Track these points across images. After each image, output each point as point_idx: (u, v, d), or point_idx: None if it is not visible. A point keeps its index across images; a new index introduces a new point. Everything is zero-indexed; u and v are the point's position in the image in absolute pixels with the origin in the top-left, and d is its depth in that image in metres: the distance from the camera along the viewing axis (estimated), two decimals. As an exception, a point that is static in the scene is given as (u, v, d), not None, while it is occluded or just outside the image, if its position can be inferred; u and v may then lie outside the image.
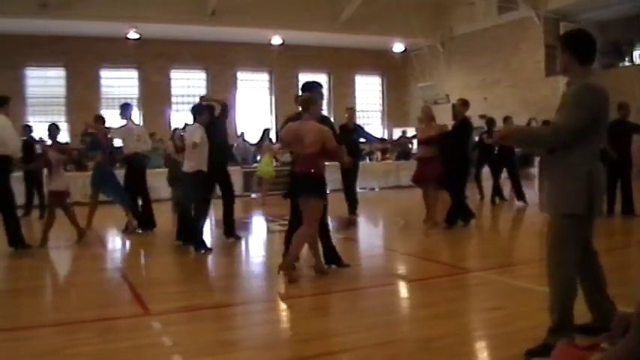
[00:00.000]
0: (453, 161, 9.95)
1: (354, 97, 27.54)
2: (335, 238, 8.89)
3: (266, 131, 16.67)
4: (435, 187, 10.30)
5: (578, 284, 3.94)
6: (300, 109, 6.68)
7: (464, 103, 10.21)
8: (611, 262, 7.15)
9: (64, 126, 21.09)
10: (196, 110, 8.77)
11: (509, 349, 4.09)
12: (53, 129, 9.64)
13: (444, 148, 9.95)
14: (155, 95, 23.07)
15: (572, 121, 3.72)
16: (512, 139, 4.50)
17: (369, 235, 11.01)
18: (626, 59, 22.35)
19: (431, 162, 10.04)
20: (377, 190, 19.49)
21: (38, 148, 12.79)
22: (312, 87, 7.15)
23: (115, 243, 10.19)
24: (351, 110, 13.65)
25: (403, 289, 6.42)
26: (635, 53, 22.09)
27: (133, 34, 21.26)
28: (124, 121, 10.75)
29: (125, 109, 10.89)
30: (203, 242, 8.42)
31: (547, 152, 3.96)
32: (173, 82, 23.87)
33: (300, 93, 7.09)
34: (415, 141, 12.24)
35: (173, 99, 23.69)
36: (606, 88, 3.85)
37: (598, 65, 22.38)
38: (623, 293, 5.31)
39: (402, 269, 7.47)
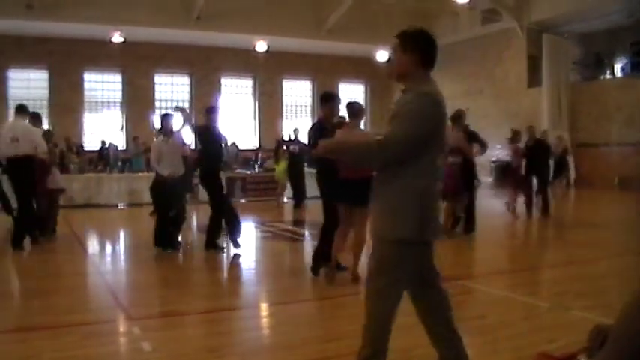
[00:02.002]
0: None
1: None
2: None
3: (281, 140, 16.80)
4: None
5: (394, 318, 3.47)
6: (350, 116, 6.77)
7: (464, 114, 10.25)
8: (591, 272, 7.25)
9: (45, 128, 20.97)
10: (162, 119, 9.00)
11: (491, 357, 4.13)
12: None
13: None
14: (139, 99, 22.96)
15: (406, 134, 3.16)
16: (335, 155, 3.65)
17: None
18: (608, 71, 22.62)
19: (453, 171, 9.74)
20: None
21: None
22: (333, 98, 7.28)
23: (97, 247, 10.13)
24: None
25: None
26: (617, 66, 22.36)
27: (117, 38, 21.15)
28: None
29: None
30: (171, 242, 8.70)
31: (378, 169, 3.40)
32: (157, 87, 23.76)
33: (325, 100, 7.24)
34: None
35: (157, 103, 23.58)
36: (442, 95, 3.38)
37: (579, 77, 22.70)
38: (603, 303, 5.39)
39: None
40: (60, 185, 10.45)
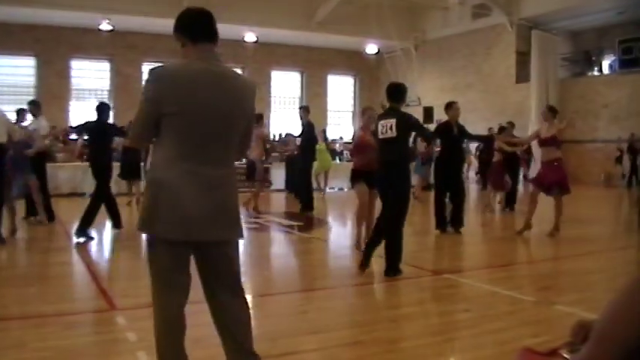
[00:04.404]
0: (456, 164, 9.95)
1: (327, 96, 27.59)
2: (303, 237, 8.95)
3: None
4: (560, 192, 9.41)
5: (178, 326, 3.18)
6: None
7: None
8: (577, 268, 7.30)
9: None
10: None
11: (475, 351, 4.14)
12: None
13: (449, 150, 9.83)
14: (126, 88, 22.83)
15: (135, 117, 2.96)
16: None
17: (339, 235, 11.03)
18: (596, 68, 22.76)
19: (555, 165, 9.37)
20: (346, 190, 19.52)
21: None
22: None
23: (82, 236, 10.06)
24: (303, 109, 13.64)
25: (371, 290, 6.46)
26: (605, 63, 22.49)
27: (105, 26, 21.01)
28: None
29: None
30: None
31: None
32: (145, 76, 23.61)
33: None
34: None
35: (145, 92, 23.48)
36: (189, 67, 3.02)
37: (568, 73, 22.80)
38: (587, 298, 5.43)
39: (370, 270, 7.50)
40: None
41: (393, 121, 6.55)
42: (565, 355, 1.59)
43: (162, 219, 2.86)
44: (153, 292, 3.09)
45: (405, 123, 6.66)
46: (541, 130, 9.54)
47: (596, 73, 22.72)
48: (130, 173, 13.18)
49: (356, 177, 7.86)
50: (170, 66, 3.01)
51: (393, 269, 6.54)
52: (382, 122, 6.66)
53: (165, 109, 2.85)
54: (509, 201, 13.02)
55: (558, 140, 9.37)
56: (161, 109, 2.85)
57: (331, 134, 22.72)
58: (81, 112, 22.28)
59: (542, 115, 9.86)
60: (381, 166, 6.78)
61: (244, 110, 3.09)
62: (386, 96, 6.88)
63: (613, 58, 21.63)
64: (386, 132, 6.58)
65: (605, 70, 22.41)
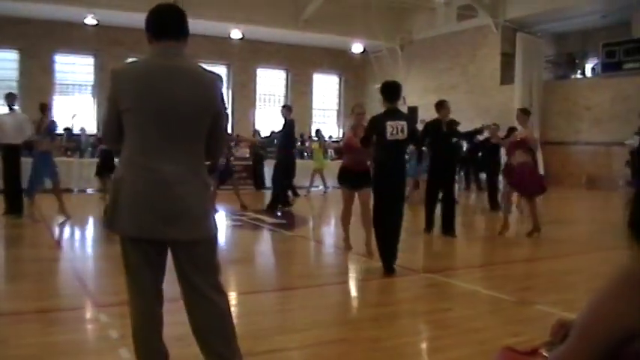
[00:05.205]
0: (446, 162, 9.64)
1: (312, 95, 27.58)
2: (287, 235, 8.94)
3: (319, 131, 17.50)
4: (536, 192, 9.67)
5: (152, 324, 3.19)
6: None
7: None
8: (558, 268, 7.37)
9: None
10: None
11: (457, 350, 4.17)
12: None
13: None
14: (111, 83, 22.65)
15: (102, 117, 3.01)
16: None
17: (323, 233, 11.04)
18: (579, 71, 22.92)
19: (532, 168, 9.56)
20: (330, 189, 19.52)
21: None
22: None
23: (63, 233, 10.01)
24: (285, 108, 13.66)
25: (354, 289, 6.48)
26: (588, 66, 22.67)
27: (90, 20, 20.86)
28: None
29: None
30: None
31: None
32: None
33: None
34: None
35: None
36: (145, 63, 2.99)
37: (552, 76, 22.94)
38: (567, 299, 5.48)
39: (353, 269, 7.52)
40: None
41: (403, 124, 6.68)
42: (545, 354, 1.62)
43: (121, 217, 2.88)
44: (126, 288, 3.11)
45: (411, 125, 6.95)
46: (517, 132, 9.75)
47: (579, 76, 22.89)
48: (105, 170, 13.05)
49: (343, 177, 7.82)
50: (128, 63, 3.04)
51: (392, 266, 6.67)
52: (391, 123, 6.65)
53: (122, 106, 2.86)
54: (494, 202, 13.02)
55: (528, 143, 9.40)
56: (119, 106, 2.86)
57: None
58: (64, 106, 22.15)
59: (517, 119, 9.92)
60: (389, 167, 6.79)
61: (207, 105, 2.98)
62: (383, 96, 6.87)
63: (596, 61, 21.79)
64: (397, 134, 6.64)
65: (588, 73, 22.58)
